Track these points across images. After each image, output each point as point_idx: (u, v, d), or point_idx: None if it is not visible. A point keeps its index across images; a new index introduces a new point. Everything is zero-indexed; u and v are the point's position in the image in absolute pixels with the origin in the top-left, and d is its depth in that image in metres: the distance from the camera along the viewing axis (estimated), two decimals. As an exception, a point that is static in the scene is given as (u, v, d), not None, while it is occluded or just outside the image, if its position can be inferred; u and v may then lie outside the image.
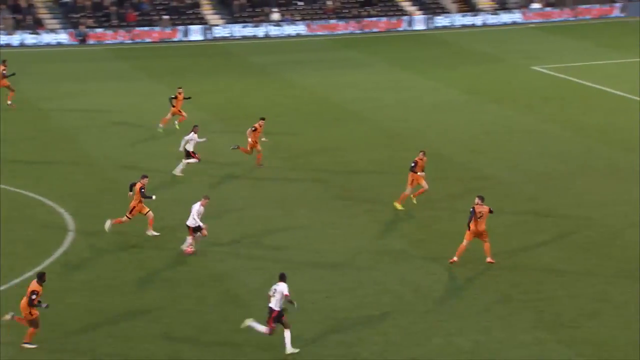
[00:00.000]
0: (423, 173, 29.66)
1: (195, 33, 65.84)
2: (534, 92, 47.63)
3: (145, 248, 26.90)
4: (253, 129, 33.98)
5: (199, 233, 25.89)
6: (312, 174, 33.95)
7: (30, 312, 20.52)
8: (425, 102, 45.62)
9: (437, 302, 23.31)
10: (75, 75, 53.15)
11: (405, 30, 68.57)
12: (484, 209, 25.01)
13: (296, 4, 70.52)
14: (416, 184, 29.57)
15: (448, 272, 25.11)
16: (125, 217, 27.36)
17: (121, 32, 64.72)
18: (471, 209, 25.00)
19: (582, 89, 48.37)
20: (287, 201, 31.01)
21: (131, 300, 23.56)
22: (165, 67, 55.69)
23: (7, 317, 20.81)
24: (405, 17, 69.50)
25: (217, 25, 66.92)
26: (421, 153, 29.90)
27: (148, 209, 27.29)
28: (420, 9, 71.02)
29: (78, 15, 65.79)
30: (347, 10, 70.29)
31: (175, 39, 65.29)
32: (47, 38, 63.49)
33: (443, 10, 71.29)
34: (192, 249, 26.07)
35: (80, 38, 63.91)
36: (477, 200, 25.16)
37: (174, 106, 39.32)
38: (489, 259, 25.17)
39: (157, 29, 65.54)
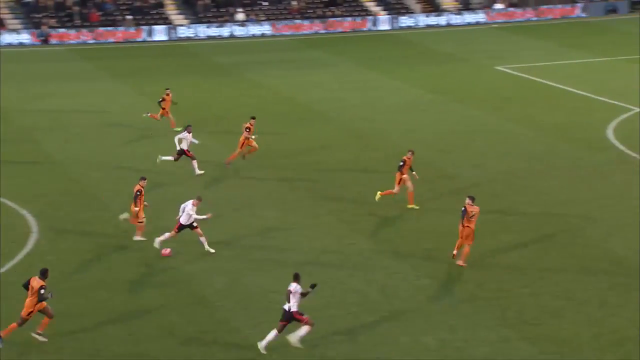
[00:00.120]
0: (414, 172, 29.75)
1: (160, 33, 65.53)
2: (497, 91, 48.02)
3: (109, 250, 26.73)
4: (247, 129, 34.05)
5: (182, 231, 25.76)
6: (278, 174, 33.94)
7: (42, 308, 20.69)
8: (391, 102, 45.81)
9: (403, 301, 23.42)
10: (37, 75, 52.68)
11: (370, 30, 68.81)
12: (475, 209, 25.14)
13: (261, 4, 70.46)
14: (402, 184, 29.55)
15: (414, 272, 25.24)
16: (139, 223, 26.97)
17: (84, 32, 64.25)
18: (462, 209, 25.13)
19: (545, 89, 48.85)
20: (252, 201, 30.98)
21: (96, 302, 23.41)
22: (129, 68, 55.38)
23: None
24: (369, 17, 69.74)
25: (181, 25, 66.66)
26: (409, 152, 29.80)
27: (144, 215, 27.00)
28: (384, 9, 71.29)
29: (40, 15, 65.19)
30: (311, 11, 70.37)
31: (139, 39, 64.94)
32: (8, 38, 62.83)
33: (407, 11, 71.62)
34: (169, 251, 25.89)
35: (42, 38, 63.35)
36: (467, 200, 25.27)
37: (163, 108, 39.12)
38: (460, 262, 25.24)
39: (120, 29, 65.15)
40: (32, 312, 20.79)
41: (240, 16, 68.38)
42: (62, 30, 64.22)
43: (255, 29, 67.35)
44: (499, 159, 35.77)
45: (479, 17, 71.58)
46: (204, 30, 66.41)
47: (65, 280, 24.64)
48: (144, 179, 27.26)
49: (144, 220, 26.92)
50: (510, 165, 35.05)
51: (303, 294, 20.54)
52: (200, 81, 51.03)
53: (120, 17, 66.58)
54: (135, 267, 25.59)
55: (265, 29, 67.54)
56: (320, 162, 35.52)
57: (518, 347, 21.07)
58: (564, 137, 38.96)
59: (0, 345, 20.69)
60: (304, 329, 20.52)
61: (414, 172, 29.76)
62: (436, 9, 72.26)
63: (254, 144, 34.38)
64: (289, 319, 20.47)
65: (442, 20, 70.83)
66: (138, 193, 26.68)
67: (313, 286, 20.76)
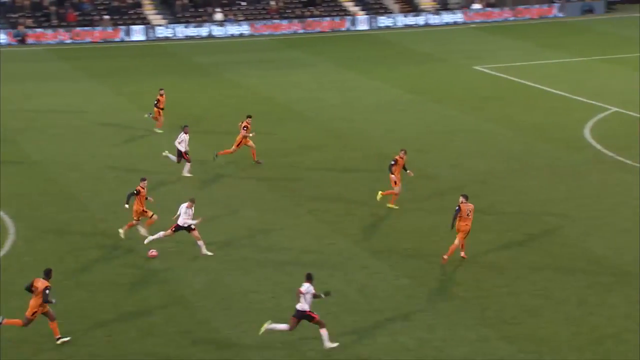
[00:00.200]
0: (408, 171, 29.72)
1: (138, 33, 65.27)
2: (476, 91, 48.20)
3: (88, 251, 26.61)
4: (244, 127, 33.97)
5: (178, 232, 25.76)
6: (258, 174, 33.91)
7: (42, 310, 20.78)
8: (370, 102, 45.88)
9: (382, 301, 23.46)
10: (14, 75, 52.25)
11: (348, 30, 68.87)
12: (470, 206, 25.26)
13: (239, 4, 70.34)
14: (393, 183, 29.54)
15: (393, 272, 25.30)
16: (151, 218, 26.89)
17: (61, 32, 63.88)
18: (457, 208, 25.22)
19: (522, 89, 49.10)
20: (232, 201, 30.94)
21: (74, 303, 23.29)
22: (107, 68, 55.12)
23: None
24: (348, 17, 69.80)
25: (159, 25, 66.43)
26: (402, 152, 29.84)
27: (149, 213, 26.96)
28: (363, 9, 71.38)
29: (17, 15, 64.75)
30: (290, 11, 70.35)
31: (117, 39, 64.65)
32: (-15, 38, 62.43)
33: (386, 11, 71.75)
34: (156, 253, 25.78)
35: (19, 38, 62.91)
36: (461, 199, 25.39)
37: (162, 108, 38.87)
38: (445, 257, 25.38)
39: (98, 29, 64.83)
40: (36, 312, 20.82)
41: (219, 16, 68.24)
42: (39, 30, 63.83)
43: (233, 29, 67.24)
44: (478, 159, 35.91)
45: (457, 17, 71.84)
46: (182, 30, 66.22)
47: (44, 281, 24.51)
48: (144, 179, 27.18)
49: (154, 215, 26.77)
50: (488, 165, 35.20)
51: (315, 296, 20.64)
52: (178, 81, 50.85)
53: (97, 17, 66.26)
54: (114, 267, 25.48)
55: (243, 29, 67.44)
56: (299, 162, 35.51)
57: (497, 347, 21.17)
58: (542, 136, 39.17)
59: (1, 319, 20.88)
60: (324, 333, 20.63)
61: (408, 171, 29.81)
62: (414, 9, 72.45)
63: (251, 143, 34.34)
64: (301, 317, 20.60)
65: (420, 20, 71.02)
66: (135, 192, 26.62)
67: (327, 294, 20.90)
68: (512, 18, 72.99)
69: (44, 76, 52.34)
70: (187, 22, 67.29)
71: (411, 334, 21.66)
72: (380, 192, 29.82)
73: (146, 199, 26.98)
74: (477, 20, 72.00)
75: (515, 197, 31.36)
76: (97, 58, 58.73)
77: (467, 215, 25.21)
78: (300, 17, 69.34)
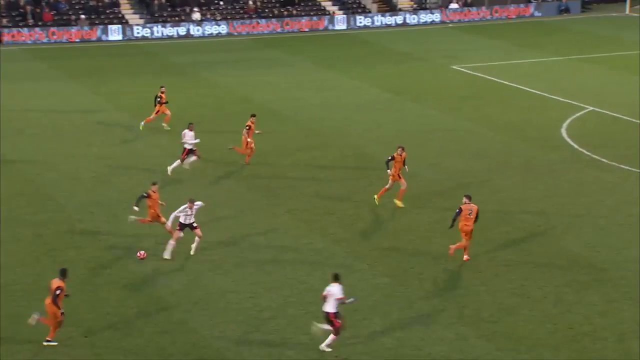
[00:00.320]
0: (405, 167, 29.75)
1: (115, 33, 64.98)
2: (453, 91, 48.36)
3: (65, 251, 26.46)
4: (247, 127, 33.94)
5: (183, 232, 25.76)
6: (235, 174, 33.86)
7: (56, 311, 20.53)
8: (348, 101, 45.92)
9: (360, 300, 23.48)
10: (-10, 75, 51.92)
11: (326, 30, 68.91)
12: (472, 207, 25.33)
13: (217, 4, 70.18)
14: (394, 180, 29.50)
15: (371, 270, 25.35)
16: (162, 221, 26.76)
17: (37, 31, 63.48)
18: (457, 209, 25.30)
19: (500, 88, 49.32)
20: (209, 201, 30.83)
21: (51, 304, 23.14)
22: (84, 68, 54.84)
23: (34, 317, 20.73)
24: (326, 17, 69.83)
25: (137, 24, 66.15)
26: (399, 149, 29.81)
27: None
28: (341, 9, 71.44)
29: (-8, 14, 64.34)
30: (268, 10, 70.29)
31: (93, 39, 64.34)
32: (-40, 37, 61.91)
33: (364, 10, 71.86)
34: (144, 254, 25.60)
35: (-5, 37, 62.47)
36: (464, 199, 25.49)
37: (165, 103, 38.68)
38: (452, 247, 25.53)
39: (74, 28, 64.48)
40: (59, 312, 20.55)
41: (196, 15, 68.06)
42: (14, 29, 63.38)
43: (211, 29, 67.08)
44: (455, 158, 36.04)
45: (435, 16, 72.06)
46: (159, 30, 65.99)
47: (19, 282, 24.35)
48: (154, 184, 26.99)
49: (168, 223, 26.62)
50: (466, 163, 35.34)
51: (340, 300, 20.53)
52: (156, 81, 50.59)
53: (74, 17, 65.89)
54: (91, 268, 25.36)
55: (221, 28, 67.30)
56: (277, 161, 35.49)
57: (475, 345, 21.26)
58: (519, 135, 39.37)
59: (37, 316, 20.75)
60: (330, 338, 20.59)
61: (405, 167, 29.84)
62: (392, 9, 72.59)
63: (251, 144, 34.27)
64: (325, 319, 20.57)
65: (398, 19, 71.18)
66: (145, 195, 26.42)
67: (352, 300, 20.88)
68: (489, 17, 73.33)
69: (20, 76, 51.98)
70: (165, 21, 67.07)
71: (389, 333, 21.70)
72: (375, 196, 29.83)
73: (160, 204, 26.77)
74: (455, 20, 72.27)
75: (492, 196, 31.50)
76: (74, 58, 58.42)
77: (469, 215, 25.31)
78: (279, 16, 69.29)
